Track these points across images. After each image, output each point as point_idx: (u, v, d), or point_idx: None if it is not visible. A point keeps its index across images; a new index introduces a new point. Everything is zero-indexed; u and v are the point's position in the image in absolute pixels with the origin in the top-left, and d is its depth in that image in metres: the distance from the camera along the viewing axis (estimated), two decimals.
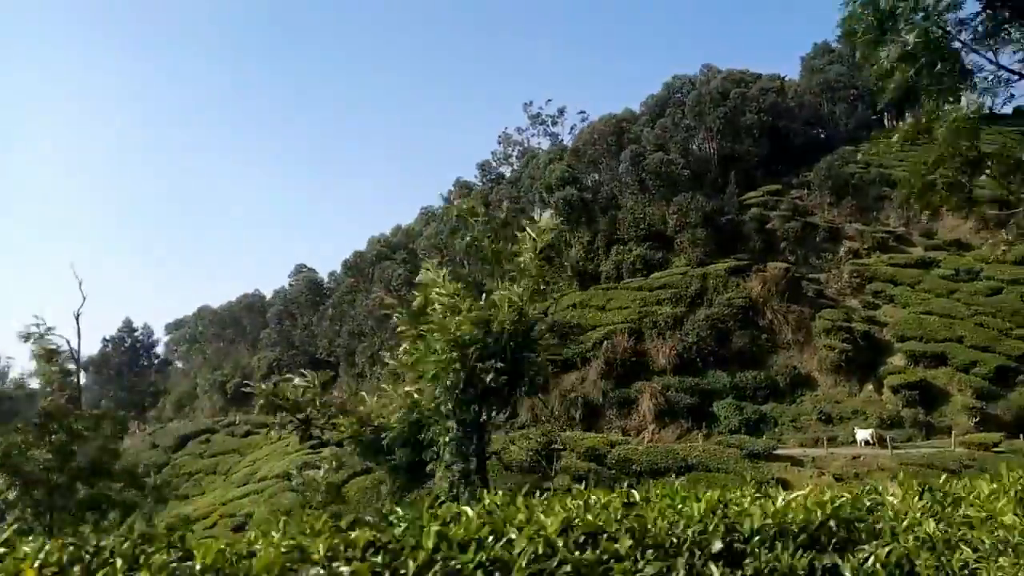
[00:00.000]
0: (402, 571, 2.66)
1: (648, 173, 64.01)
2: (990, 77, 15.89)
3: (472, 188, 74.49)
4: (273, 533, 2.86)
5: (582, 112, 75.18)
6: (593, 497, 3.56)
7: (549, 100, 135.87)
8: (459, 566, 2.69)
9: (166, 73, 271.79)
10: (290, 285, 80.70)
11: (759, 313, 50.19)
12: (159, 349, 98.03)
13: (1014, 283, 54.27)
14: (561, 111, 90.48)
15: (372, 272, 68.06)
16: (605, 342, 48.55)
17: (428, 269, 15.29)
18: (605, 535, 3.04)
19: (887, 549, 3.26)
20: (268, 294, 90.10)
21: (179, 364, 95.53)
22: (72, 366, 30.46)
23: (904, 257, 59.08)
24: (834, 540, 3.30)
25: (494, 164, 78.28)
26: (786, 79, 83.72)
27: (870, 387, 46.71)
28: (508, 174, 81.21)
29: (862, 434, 39.24)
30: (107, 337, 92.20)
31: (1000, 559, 3.28)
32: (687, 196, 59.19)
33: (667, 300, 51.78)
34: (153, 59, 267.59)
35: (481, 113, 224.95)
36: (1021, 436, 38.57)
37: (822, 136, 79.70)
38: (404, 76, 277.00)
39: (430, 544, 2.77)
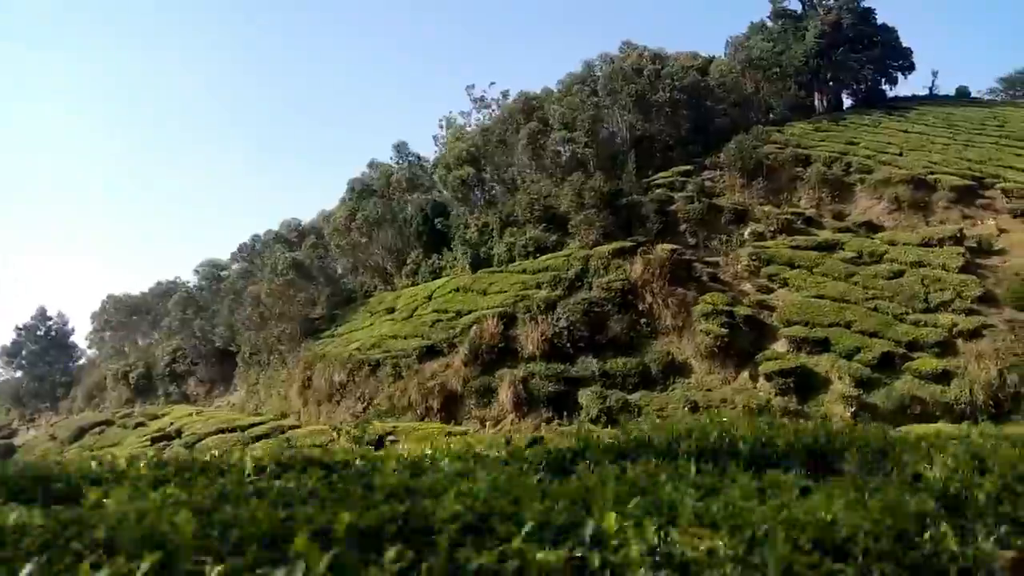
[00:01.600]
0: None
1: (549, 152, 61.26)
2: None
3: (394, 169, 71.47)
4: None
5: (507, 91, 71.57)
6: None
7: (492, 83, 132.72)
8: None
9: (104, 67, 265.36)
10: (195, 271, 77.89)
11: (639, 297, 47.52)
12: (77, 338, 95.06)
13: (918, 266, 51.89)
14: (505, 94, 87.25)
15: (262, 257, 65.25)
16: (473, 328, 45.82)
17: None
18: None
19: None
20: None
21: (94, 353, 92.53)
22: None
23: (808, 239, 56.55)
24: None
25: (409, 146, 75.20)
26: (716, 58, 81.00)
27: (746, 375, 44.18)
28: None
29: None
30: (20, 326, 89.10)
31: None
32: (581, 176, 56.40)
33: (546, 284, 49.05)
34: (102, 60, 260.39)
35: (430, 98, 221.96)
36: (898, 429, 36.09)
37: (754, 118, 76.86)
38: (348, 55, 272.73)
39: None
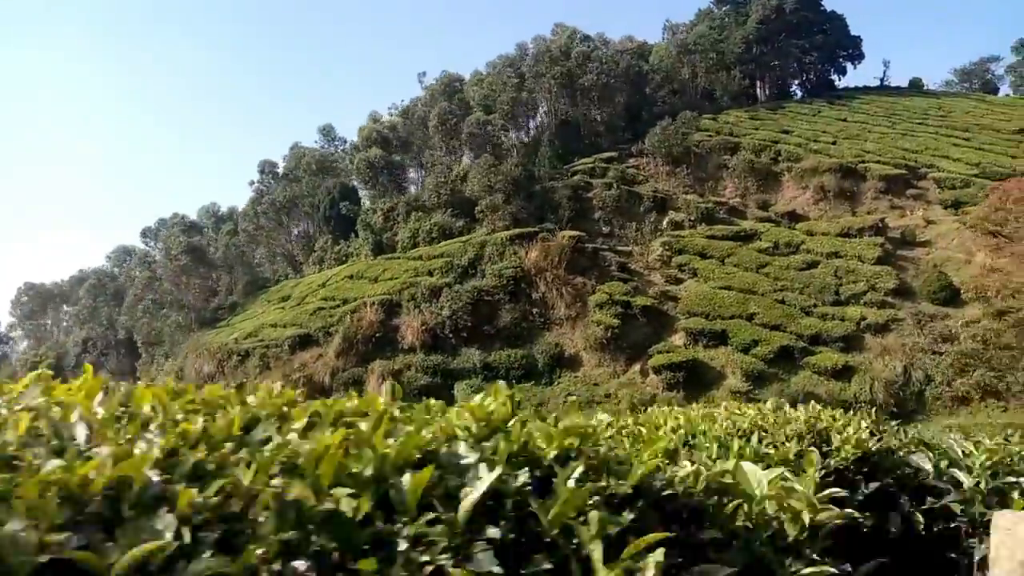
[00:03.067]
0: None
1: (464, 135, 58.37)
2: None
3: (305, 152, 68.34)
4: None
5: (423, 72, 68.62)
6: None
7: (444, 71, 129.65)
8: None
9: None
10: (107, 257, 74.67)
11: (533, 286, 44.69)
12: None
13: (833, 257, 49.32)
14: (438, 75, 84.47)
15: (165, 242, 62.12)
16: (350, 316, 42.89)
17: None
18: None
19: None
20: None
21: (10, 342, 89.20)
22: None
23: (726, 229, 53.88)
24: None
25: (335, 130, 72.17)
26: (655, 44, 78.27)
27: (637, 368, 41.44)
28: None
29: (604, 418, 33.87)
30: None
31: None
32: (489, 159, 53.52)
33: (438, 270, 46.16)
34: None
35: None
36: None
37: (692, 105, 74.05)
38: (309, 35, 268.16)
39: None
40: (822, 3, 78.06)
